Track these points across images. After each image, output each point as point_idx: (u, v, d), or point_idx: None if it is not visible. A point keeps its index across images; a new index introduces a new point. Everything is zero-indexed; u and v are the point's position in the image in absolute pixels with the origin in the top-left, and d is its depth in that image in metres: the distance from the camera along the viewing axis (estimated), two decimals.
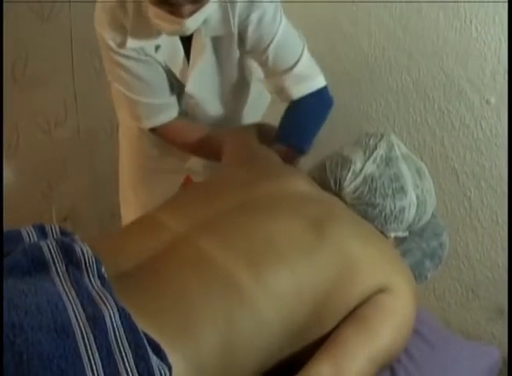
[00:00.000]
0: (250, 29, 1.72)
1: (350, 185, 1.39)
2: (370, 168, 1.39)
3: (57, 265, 1.04)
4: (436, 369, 1.34)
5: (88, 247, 1.08)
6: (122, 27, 1.68)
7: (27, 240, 1.12)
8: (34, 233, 1.15)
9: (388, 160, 1.40)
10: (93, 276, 1.04)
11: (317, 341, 1.19)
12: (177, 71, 1.81)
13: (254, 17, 1.70)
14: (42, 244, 1.07)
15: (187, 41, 1.75)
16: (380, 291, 1.22)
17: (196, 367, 1.03)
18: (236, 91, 1.95)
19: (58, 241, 1.08)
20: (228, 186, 1.34)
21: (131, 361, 0.94)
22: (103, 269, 1.07)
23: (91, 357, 0.92)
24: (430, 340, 1.40)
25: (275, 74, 1.79)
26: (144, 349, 0.95)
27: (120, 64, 1.75)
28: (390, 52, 2.08)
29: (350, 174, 1.39)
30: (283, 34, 1.75)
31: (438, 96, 2.01)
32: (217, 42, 1.77)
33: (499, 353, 1.47)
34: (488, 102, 1.93)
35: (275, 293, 1.13)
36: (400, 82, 2.07)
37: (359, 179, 1.38)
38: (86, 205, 2.70)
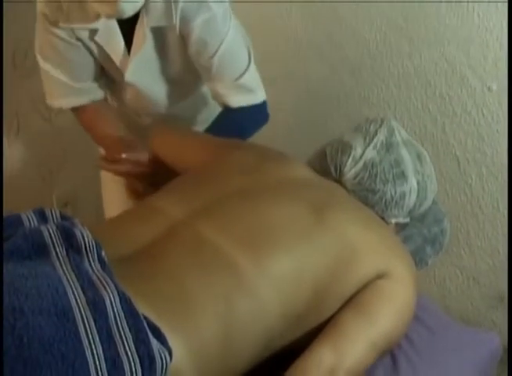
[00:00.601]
0: (196, 32, 1.69)
1: (350, 171, 1.38)
2: (370, 153, 1.39)
3: (57, 249, 1.04)
4: (436, 355, 1.34)
5: (88, 232, 1.08)
6: (59, 6, 1.69)
7: (27, 224, 1.12)
8: (34, 218, 1.15)
9: (389, 146, 1.40)
10: (93, 261, 1.05)
11: (316, 327, 1.19)
12: (116, 59, 1.79)
13: (200, 20, 1.67)
14: (43, 228, 1.07)
15: (130, 31, 1.73)
16: (380, 276, 1.22)
17: (196, 351, 1.04)
18: (184, 84, 1.93)
19: (58, 226, 1.08)
20: (227, 172, 1.34)
21: (132, 345, 0.94)
22: (103, 254, 1.07)
23: (91, 341, 0.92)
24: (431, 326, 1.40)
25: (216, 81, 1.77)
26: (144, 333, 0.95)
27: (50, 41, 1.75)
28: (391, 38, 2.07)
29: (350, 160, 1.39)
30: (230, 43, 1.72)
31: (440, 83, 2.00)
32: (160, 35, 1.74)
33: (499, 340, 1.47)
34: (489, 89, 1.93)
35: (274, 277, 1.13)
36: (401, 69, 2.07)
37: (359, 165, 1.38)
38: (86, 191, 2.71)
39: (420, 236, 1.45)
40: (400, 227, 1.42)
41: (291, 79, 2.30)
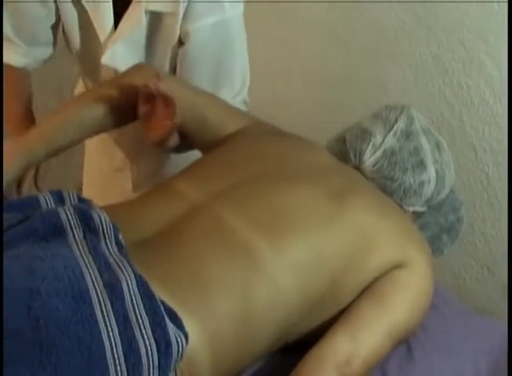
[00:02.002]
0: (198, 37, 1.48)
1: (370, 158, 1.37)
2: (390, 141, 1.38)
3: (74, 231, 1.04)
4: (451, 343, 1.34)
5: (105, 214, 1.08)
6: None
7: (45, 206, 1.12)
8: (51, 199, 1.15)
9: (408, 134, 1.39)
10: (110, 243, 1.05)
11: (332, 315, 1.19)
12: (100, 32, 1.54)
13: (208, 21, 1.48)
14: (60, 210, 1.07)
15: (123, 7, 1.51)
16: (398, 266, 1.22)
17: (212, 335, 1.04)
18: None
19: (75, 208, 1.08)
20: (249, 156, 1.33)
21: (148, 328, 0.94)
22: (121, 236, 1.07)
23: (107, 323, 0.93)
24: (446, 314, 1.40)
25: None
26: (161, 316, 0.96)
27: None
28: (409, 25, 2.05)
29: (370, 147, 1.38)
30: (233, 59, 1.54)
31: (458, 71, 1.99)
32: (156, 23, 1.52)
33: None
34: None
35: (292, 263, 1.13)
36: (419, 56, 2.05)
37: (379, 153, 1.37)
38: None
39: (437, 224, 1.45)
40: (417, 215, 1.42)
41: (307, 66, 2.29)
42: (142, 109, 1.37)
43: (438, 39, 2.01)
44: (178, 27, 1.49)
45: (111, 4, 1.52)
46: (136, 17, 1.49)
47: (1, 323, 0.89)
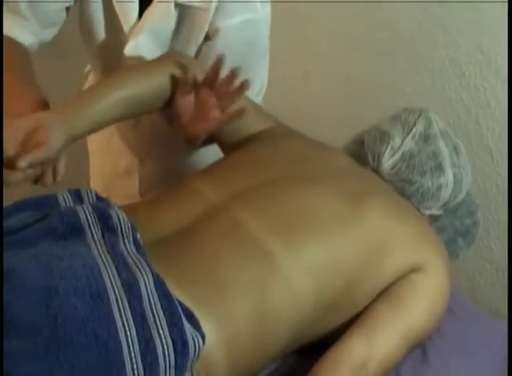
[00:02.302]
0: (227, 36, 1.44)
1: (388, 161, 1.37)
2: (409, 144, 1.37)
3: (93, 230, 1.05)
4: (466, 347, 1.33)
5: (123, 214, 1.09)
6: None
7: (63, 204, 1.13)
8: (69, 198, 1.16)
9: (427, 137, 1.38)
10: (129, 243, 1.05)
11: (348, 318, 1.19)
12: (125, 25, 1.47)
13: (238, 21, 1.44)
14: (78, 209, 1.07)
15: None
16: (415, 269, 1.21)
17: (228, 336, 1.04)
18: None
19: (94, 206, 1.09)
20: (269, 158, 1.33)
21: (165, 328, 0.95)
22: (139, 236, 1.08)
23: (125, 322, 0.93)
24: (461, 317, 1.39)
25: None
26: (178, 316, 0.96)
27: None
28: (426, 27, 2.05)
29: (388, 149, 1.37)
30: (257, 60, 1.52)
31: (474, 74, 1.98)
32: (184, 18, 1.47)
33: None
34: None
35: (309, 265, 1.13)
36: (436, 59, 2.05)
37: (398, 155, 1.37)
38: None
39: (453, 227, 1.44)
40: (433, 219, 1.41)
41: (323, 68, 2.29)
42: (183, 98, 1.29)
43: (455, 41, 2.00)
44: (207, 23, 1.45)
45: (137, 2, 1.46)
46: (165, 8, 1.44)
47: (2, 322, 0.90)
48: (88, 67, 1.80)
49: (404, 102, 2.04)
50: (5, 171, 1.05)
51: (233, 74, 1.24)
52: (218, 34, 1.46)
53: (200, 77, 1.28)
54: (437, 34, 2.04)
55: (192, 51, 1.50)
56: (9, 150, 1.05)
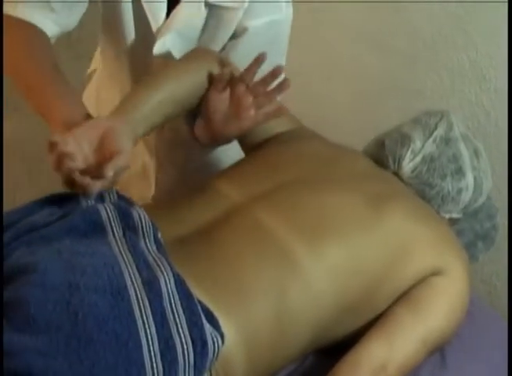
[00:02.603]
0: (255, 35, 1.45)
1: (409, 164, 1.36)
2: (430, 147, 1.37)
3: (114, 229, 1.05)
4: (483, 351, 1.33)
5: (144, 212, 1.09)
6: None
7: (85, 203, 1.13)
8: None
9: (448, 140, 1.38)
10: (149, 242, 1.05)
11: (367, 320, 1.19)
12: (154, 24, 1.45)
13: (265, 20, 1.45)
14: (100, 207, 1.08)
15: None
16: (435, 273, 1.21)
17: (248, 336, 1.04)
18: None
19: (115, 205, 1.09)
20: (291, 160, 1.33)
21: (185, 327, 0.95)
22: (160, 235, 1.08)
23: (145, 321, 0.93)
24: (479, 321, 1.39)
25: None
26: (198, 316, 0.96)
27: None
28: (447, 29, 2.04)
29: (409, 152, 1.37)
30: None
31: (495, 77, 1.97)
32: (214, 18, 1.46)
33: None
34: None
35: (329, 266, 1.13)
36: (456, 61, 2.04)
37: (418, 158, 1.36)
38: None
39: (472, 231, 1.43)
40: (452, 222, 1.41)
41: (343, 70, 2.28)
42: (217, 95, 1.28)
43: (476, 44, 2.00)
44: (236, 22, 1.46)
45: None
46: (194, 7, 1.43)
47: (1, 320, 0.90)
48: (91, 69, 1.78)
49: (423, 104, 2.03)
50: (89, 180, 1.05)
51: (275, 72, 1.24)
52: (244, 33, 1.46)
53: (236, 74, 1.28)
54: (457, 37, 2.03)
55: (217, 49, 1.50)
56: (89, 159, 1.09)
